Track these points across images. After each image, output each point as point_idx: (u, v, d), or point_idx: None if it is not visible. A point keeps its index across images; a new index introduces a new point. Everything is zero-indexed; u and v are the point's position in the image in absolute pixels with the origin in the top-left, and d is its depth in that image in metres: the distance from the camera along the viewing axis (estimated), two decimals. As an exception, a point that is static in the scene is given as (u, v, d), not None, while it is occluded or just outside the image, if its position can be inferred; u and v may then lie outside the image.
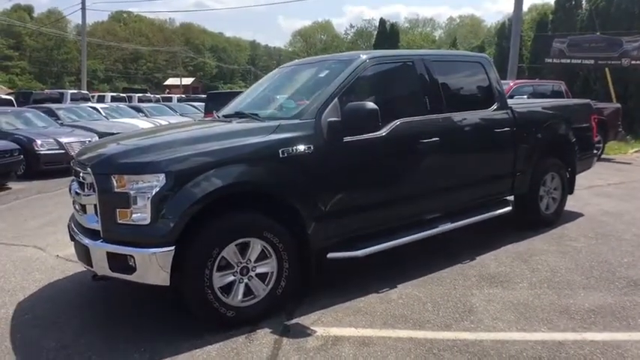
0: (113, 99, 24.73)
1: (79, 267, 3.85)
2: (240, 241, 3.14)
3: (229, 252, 3.10)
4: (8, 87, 40.19)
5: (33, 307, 3.64)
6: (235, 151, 3.17)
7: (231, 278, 3.16)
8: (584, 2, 20.25)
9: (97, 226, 3.08)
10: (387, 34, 30.32)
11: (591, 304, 3.44)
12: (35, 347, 3.04)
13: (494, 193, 4.88)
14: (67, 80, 55.97)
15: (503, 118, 4.73)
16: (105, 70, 61.71)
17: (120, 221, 2.97)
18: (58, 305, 3.65)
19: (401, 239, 3.91)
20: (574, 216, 5.76)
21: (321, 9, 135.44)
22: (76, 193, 3.37)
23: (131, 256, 2.93)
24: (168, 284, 2.97)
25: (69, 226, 3.56)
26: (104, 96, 26.61)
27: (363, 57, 3.94)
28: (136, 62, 65.80)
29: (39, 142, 9.89)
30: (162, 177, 2.93)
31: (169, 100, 27.82)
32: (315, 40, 76.71)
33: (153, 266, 2.89)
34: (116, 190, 2.98)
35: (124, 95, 27.62)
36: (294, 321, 3.28)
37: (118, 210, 2.97)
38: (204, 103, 15.96)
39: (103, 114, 15.15)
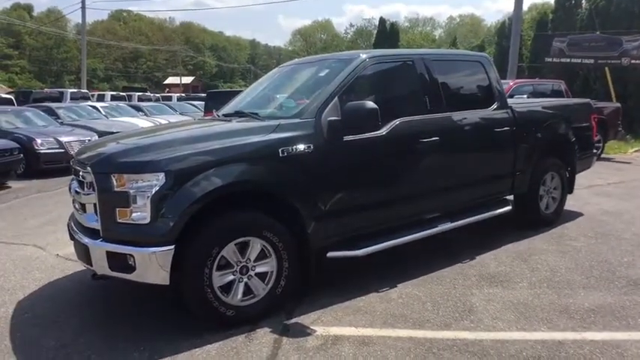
0: (113, 98, 24.67)
1: (79, 266, 3.86)
2: (239, 240, 3.13)
3: (229, 251, 3.10)
4: (8, 86, 40.13)
5: (33, 305, 3.64)
6: (235, 151, 3.17)
7: (231, 277, 3.16)
8: (584, 1, 20.23)
9: (97, 225, 3.07)
10: (387, 33, 30.32)
11: (591, 304, 3.44)
12: (35, 346, 3.04)
13: (494, 193, 4.88)
14: (66, 79, 55.88)
15: (503, 117, 4.73)
16: (105, 69, 61.63)
17: (119, 220, 2.97)
18: (58, 304, 3.65)
19: (401, 239, 3.91)
20: (574, 215, 5.77)
21: (321, 8, 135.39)
22: (76, 192, 3.37)
23: (131, 255, 2.93)
24: (167, 283, 2.97)
25: (69, 225, 3.56)
26: (104, 95, 26.56)
27: (363, 56, 3.94)
28: (135, 61, 65.73)
29: (39, 141, 9.89)
30: (161, 176, 2.92)
31: (169, 99, 27.79)
32: (315, 40, 76.66)
33: (152, 265, 2.89)
34: (116, 189, 2.98)
35: (124, 94, 27.56)
36: (293, 320, 3.28)
37: (117, 209, 2.96)
38: (203, 102, 15.95)
39: (103, 113, 15.13)
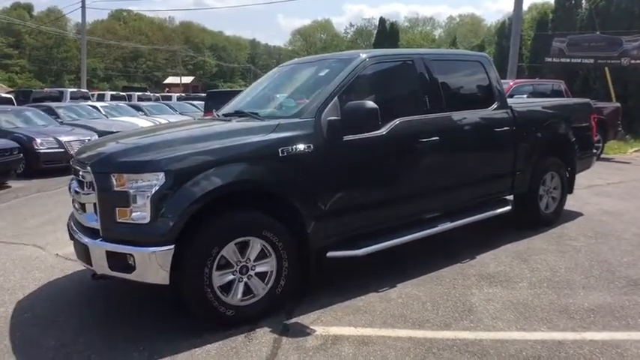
0: (113, 97, 24.67)
1: (79, 266, 3.85)
2: (239, 240, 3.13)
3: (229, 251, 3.10)
4: (8, 85, 40.12)
5: (32, 305, 3.64)
6: (235, 150, 3.17)
7: (231, 277, 3.15)
8: (584, 1, 20.25)
9: (97, 225, 3.07)
10: (386, 33, 30.32)
11: (591, 304, 3.44)
12: (34, 346, 3.04)
13: (493, 193, 4.88)
14: (66, 79, 55.85)
15: (503, 117, 4.73)
16: (104, 69, 61.61)
17: (119, 220, 2.97)
18: (58, 304, 3.65)
19: (400, 238, 3.91)
20: (574, 215, 5.77)
21: (321, 8, 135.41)
22: (76, 191, 3.37)
23: (130, 255, 2.93)
24: (167, 283, 2.96)
25: (68, 225, 3.56)
26: (104, 94, 26.55)
27: (363, 56, 3.94)
28: (135, 61, 65.70)
29: (39, 140, 9.89)
30: (161, 176, 2.92)
31: (169, 98, 27.80)
32: (314, 39, 76.65)
33: (152, 265, 2.89)
34: (115, 188, 2.97)
35: (124, 94, 27.58)
36: (293, 320, 3.28)
37: (117, 209, 2.96)
38: (203, 102, 15.94)
39: (103, 112, 15.12)
